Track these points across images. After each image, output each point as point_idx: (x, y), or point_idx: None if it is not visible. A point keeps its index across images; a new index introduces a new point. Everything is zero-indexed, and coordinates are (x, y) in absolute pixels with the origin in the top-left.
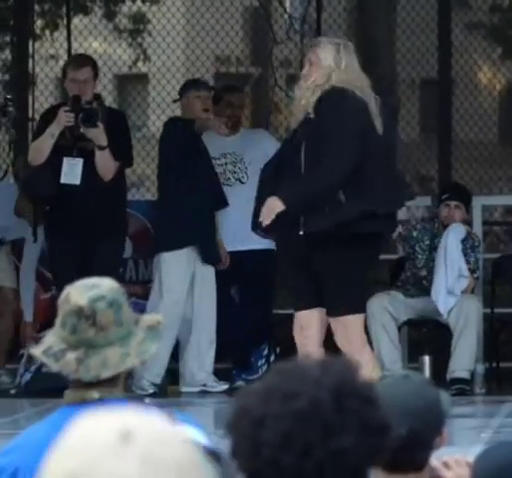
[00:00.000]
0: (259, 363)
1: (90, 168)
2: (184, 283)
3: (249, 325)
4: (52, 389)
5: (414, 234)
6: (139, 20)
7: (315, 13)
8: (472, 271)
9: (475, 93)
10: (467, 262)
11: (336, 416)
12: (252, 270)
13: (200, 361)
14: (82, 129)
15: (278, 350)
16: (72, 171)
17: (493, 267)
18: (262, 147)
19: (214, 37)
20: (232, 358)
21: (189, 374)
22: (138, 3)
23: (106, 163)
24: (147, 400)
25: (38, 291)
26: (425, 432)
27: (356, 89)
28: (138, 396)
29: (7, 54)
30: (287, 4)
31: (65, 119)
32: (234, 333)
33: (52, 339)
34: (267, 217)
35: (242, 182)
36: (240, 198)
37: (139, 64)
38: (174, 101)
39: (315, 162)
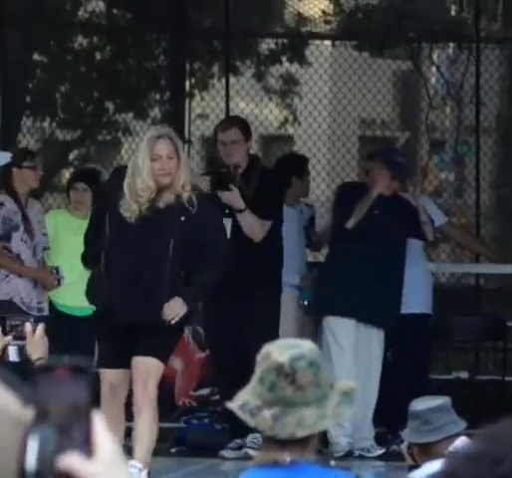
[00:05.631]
0: None
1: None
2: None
3: (405, 389)
4: (201, 447)
5: None
6: (288, 81)
7: (472, 78)
8: None
9: None
10: None
11: None
12: (409, 334)
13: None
14: (218, 193)
15: None
16: None
17: None
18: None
19: (361, 100)
20: (387, 422)
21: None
22: (290, 65)
23: (248, 225)
24: (333, 463)
25: (194, 350)
26: None
27: None
28: (326, 459)
29: (157, 112)
30: (443, 69)
31: (201, 183)
32: (390, 397)
33: (248, 394)
34: None
35: None
36: None
37: (287, 125)
38: None
39: None
